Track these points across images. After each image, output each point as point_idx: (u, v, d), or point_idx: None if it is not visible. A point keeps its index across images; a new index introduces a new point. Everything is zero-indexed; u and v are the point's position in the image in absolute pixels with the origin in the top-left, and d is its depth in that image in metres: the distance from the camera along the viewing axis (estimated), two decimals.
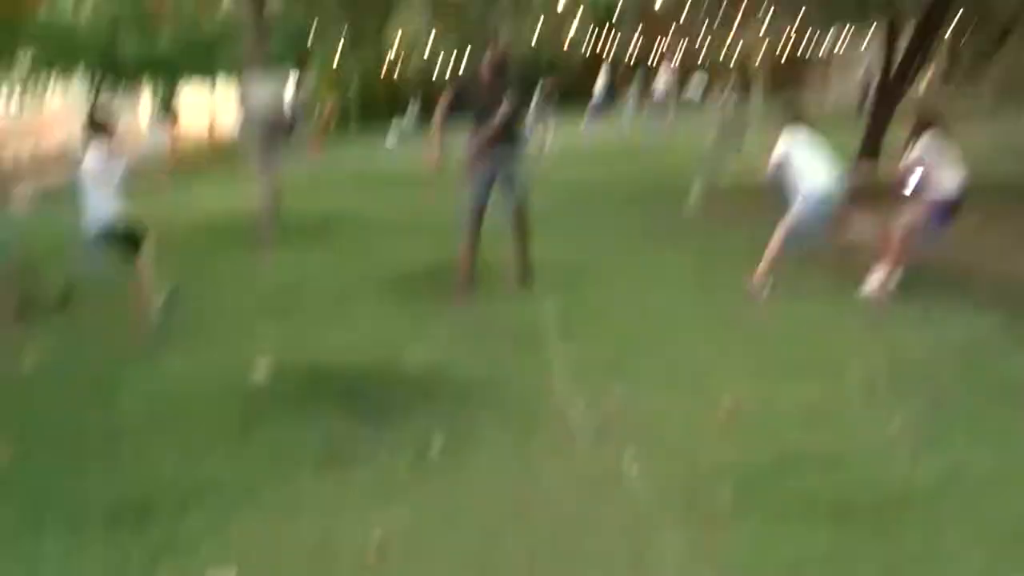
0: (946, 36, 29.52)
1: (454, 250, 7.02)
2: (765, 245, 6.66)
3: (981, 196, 9.57)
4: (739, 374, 4.91)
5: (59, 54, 18.44)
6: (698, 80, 35.75)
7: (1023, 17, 21.52)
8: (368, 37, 12.83)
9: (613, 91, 35.29)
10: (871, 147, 11.22)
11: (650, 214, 10.29)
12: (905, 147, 6.56)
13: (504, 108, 6.60)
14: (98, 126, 6.23)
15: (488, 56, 6.88)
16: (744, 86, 32.08)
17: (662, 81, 31.00)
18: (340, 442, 4.13)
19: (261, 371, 5.15)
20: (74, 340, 6.18)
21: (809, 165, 6.56)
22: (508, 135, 6.75)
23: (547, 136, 19.61)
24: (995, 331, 5.59)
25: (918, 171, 6.45)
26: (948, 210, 6.43)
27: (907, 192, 6.56)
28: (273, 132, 10.66)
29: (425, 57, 29.85)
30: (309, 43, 21.56)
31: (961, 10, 15.09)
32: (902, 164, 6.60)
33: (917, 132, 6.45)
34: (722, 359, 5.21)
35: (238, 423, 4.45)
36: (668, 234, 9.08)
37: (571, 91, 35.04)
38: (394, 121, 23.77)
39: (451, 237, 7.17)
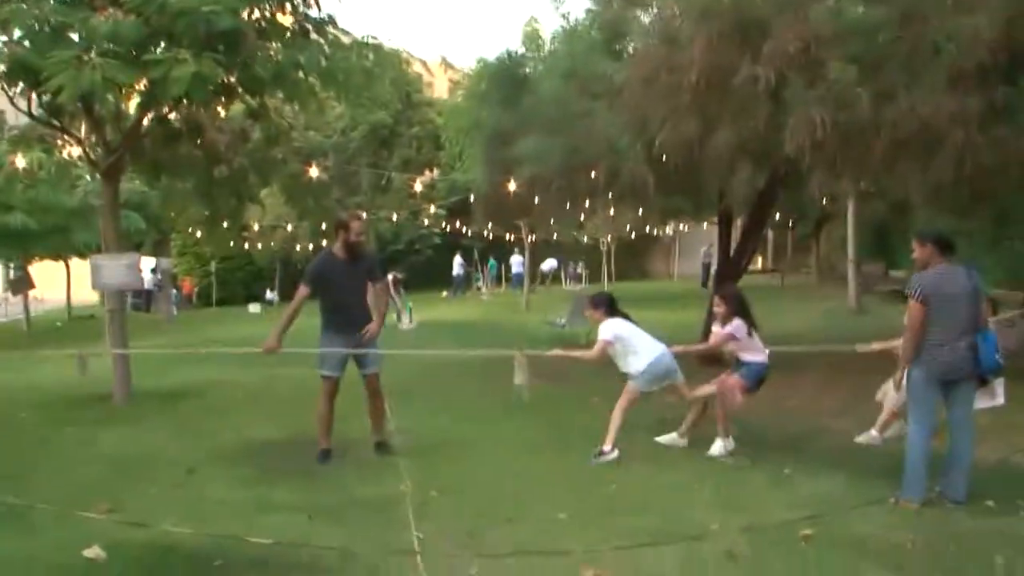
0: (770, 229, 32.64)
1: (308, 422, 7.02)
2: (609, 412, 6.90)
3: (815, 362, 10.16)
4: (599, 543, 4.82)
5: None
6: (551, 260, 37.40)
7: (834, 214, 24.22)
8: (227, 216, 12.80)
9: (469, 270, 36.58)
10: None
11: (507, 385, 10.29)
12: (722, 323, 7.07)
13: (361, 288, 7.08)
14: None
15: (342, 239, 7.08)
16: (593, 262, 33.70)
17: (516, 261, 32.18)
18: None
19: (96, 549, 4.72)
20: None
21: (638, 343, 6.98)
22: (361, 314, 7.07)
23: (403, 315, 20.07)
24: (842, 489, 5.80)
25: (731, 345, 7.06)
26: (760, 378, 7.04)
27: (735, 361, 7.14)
28: (126, 307, 10.70)
29: (288, 231, 30.09)
30: (167, 223, 21.59)
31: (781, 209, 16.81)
32: (712, 340, 7.22)
33: (729, 313, 7.03)
34: (580, 529, 5.13)
35: None
36: (522, 406, 9.08)
37: (428, 269, 36.12)
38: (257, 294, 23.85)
39: (306, 409, 7.11)
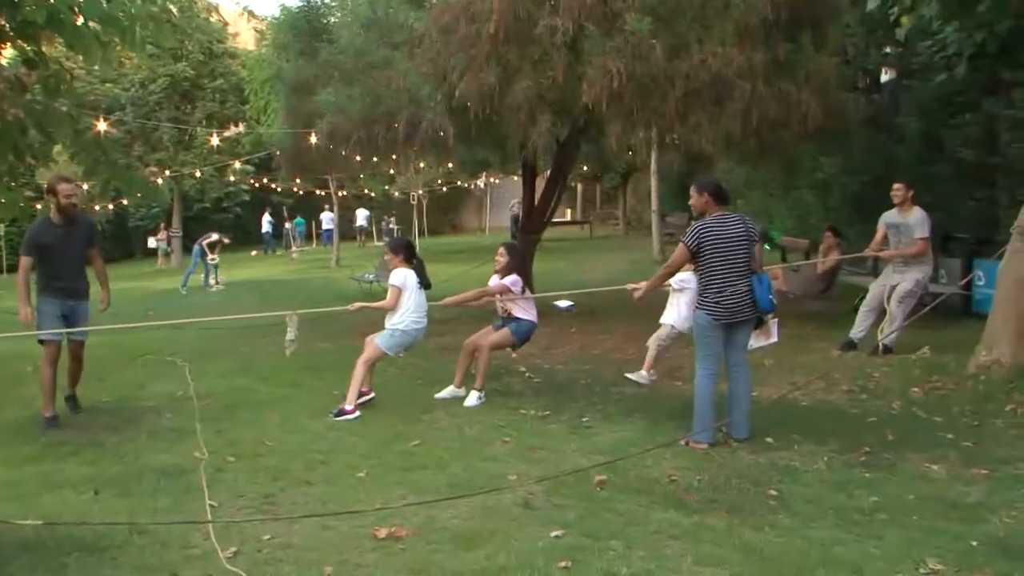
0: (578, 181, 33.45)
1: (97, 392, 7.23)
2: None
3: (619, 312, 10.42)
4: (395, 501, 4.72)
5: None
6: (363, 213, 36.80)
7: (639, 167, 24.99)
8: (6, 175, 11.76)
9: (278, 227, 35.54)
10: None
11: (311, 343, 10.07)
12: (502, 275, 7.28)
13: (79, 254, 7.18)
14: None
15: (54, 204, 7.10)
16: (406, 217, 33.45)
17: (327, 217, 31.47)
18: None
19: None
20: None
21: (412, 304, 6.98)
22: (80, 280, 7.20)
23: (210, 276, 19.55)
24: (638, 435, 5.99)
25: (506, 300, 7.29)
26: (527, 336, 7.40)
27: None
28: None
29: (84, 190, 28.06)
30: None
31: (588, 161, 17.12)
32: (489, 287, 7.37)
33: (510, 266, 7.26)
34: (379, 488, 5.02)
35: None
36: (325, 364, 8.97)
37: (237, 227, 34.79)
38: None
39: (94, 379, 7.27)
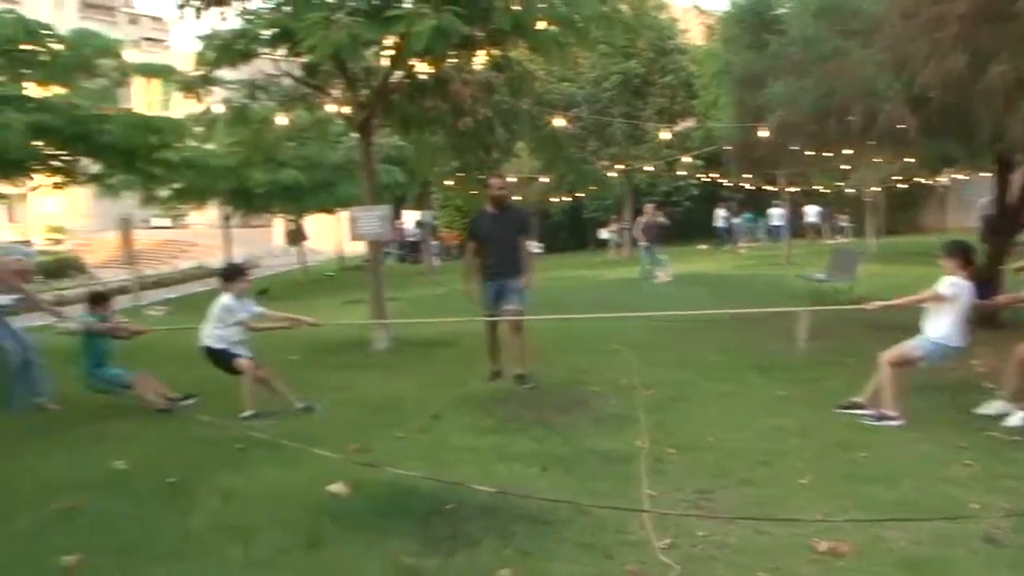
0: None
1: (551, 373, 8.15)
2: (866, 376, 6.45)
3: None
4: (837, 514, 4.50)
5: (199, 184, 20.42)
6: (813, 210, 35.44)
7: None
8: (476, 169, 13.22)
9: (733, 221, 35.37)
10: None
11: (758, 342, 10.06)
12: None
13: (510, 238, 8.25)
14: (232, 275, 7.50)
15: (488, 195, 8.48)
16: (858, 215, 31.60)
17: (776, 213, 30.82)
18: (404, 571, 3.90)
19: (340, 486, 5.01)
20: (173, 440, 6.39)
21: (958, 315, 6.32)
22: (510, 262, 8.22)
23: (658, 263, 19.85)
24: None
25: None
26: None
27: None
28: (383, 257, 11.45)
29: (544, 183, 30.54)
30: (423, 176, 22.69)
31: None
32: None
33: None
34: (820, 498, 4.81)
35: (307, 537, 4.29)
36: (773, 364, 8.76)
37: (686, 221, 35.48)
38: None
39: (552, 361, 7.95)
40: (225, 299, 7.29)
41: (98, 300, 7.98)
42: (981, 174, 23.86)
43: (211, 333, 7.28)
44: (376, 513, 4.63)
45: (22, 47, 11.33)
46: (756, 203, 35.94)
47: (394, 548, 4.12)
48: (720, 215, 34.67)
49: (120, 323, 8.39)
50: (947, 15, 7.82)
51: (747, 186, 31.78)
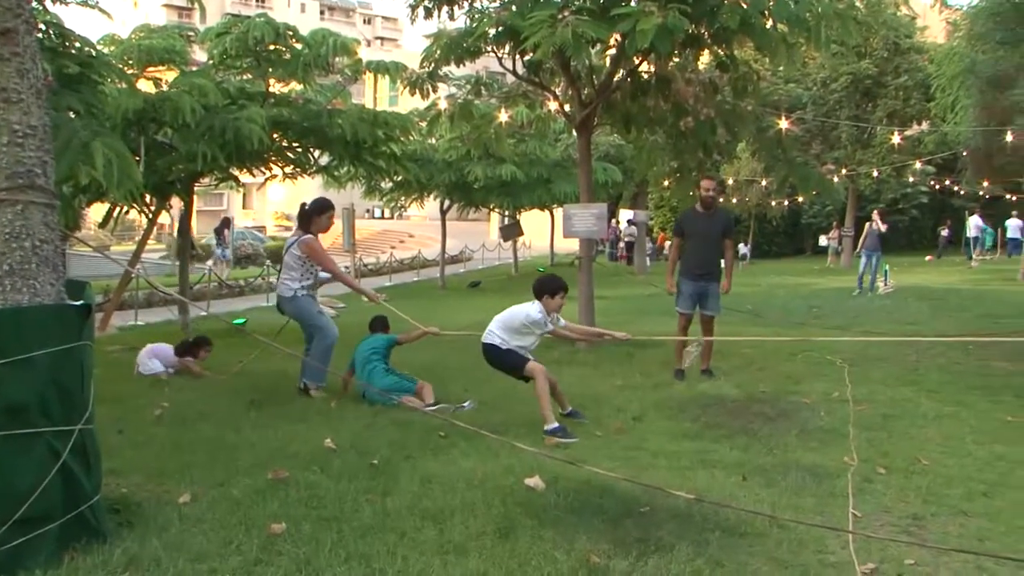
0: None
1: (767, 383, 8.20)
2: None
3: None
4: None
5: (420, 177, 21.28)
6: None
7: None
8: (693, 169, 13.06)
9: (988, 231, 32.67)
10: None
11: (987, 362, 9.39)
12: None
13: (714, 238, 8.65)
14: (557, 290, 6.86)
15: (701, 194, 8.78)
16: None
17: (1014, 225, 28.35)
18: (593, 570, 3.87)
19: (537, 479, 5.05)
20: (379, 425, 6.64)
21: None
22: (711, 262, 8.67)
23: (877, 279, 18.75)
24: None
25: None
26: None
27: None
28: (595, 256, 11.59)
29: (763, 186, 29.68)
30: (641, 175, 22.64)
31: None
32: None
33: None
34: None
35: (499, 526, 4.35)
36: (1003, 387, 8.10)
37: (912, 230, 33.43)
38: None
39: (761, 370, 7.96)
40: (534, 311, 6.86)
41: (381, 325, 8.35)
42: None
43: (503, 337, 6.91)
44: (569, 509, 4.63)
45: (269, 48, 12.19)
46: (995, 213, 33.14)
47: (584, 546, 4.10)
48: (974, 224, 31.96)
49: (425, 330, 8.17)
50: None
51: (984, 194, 29.45)
